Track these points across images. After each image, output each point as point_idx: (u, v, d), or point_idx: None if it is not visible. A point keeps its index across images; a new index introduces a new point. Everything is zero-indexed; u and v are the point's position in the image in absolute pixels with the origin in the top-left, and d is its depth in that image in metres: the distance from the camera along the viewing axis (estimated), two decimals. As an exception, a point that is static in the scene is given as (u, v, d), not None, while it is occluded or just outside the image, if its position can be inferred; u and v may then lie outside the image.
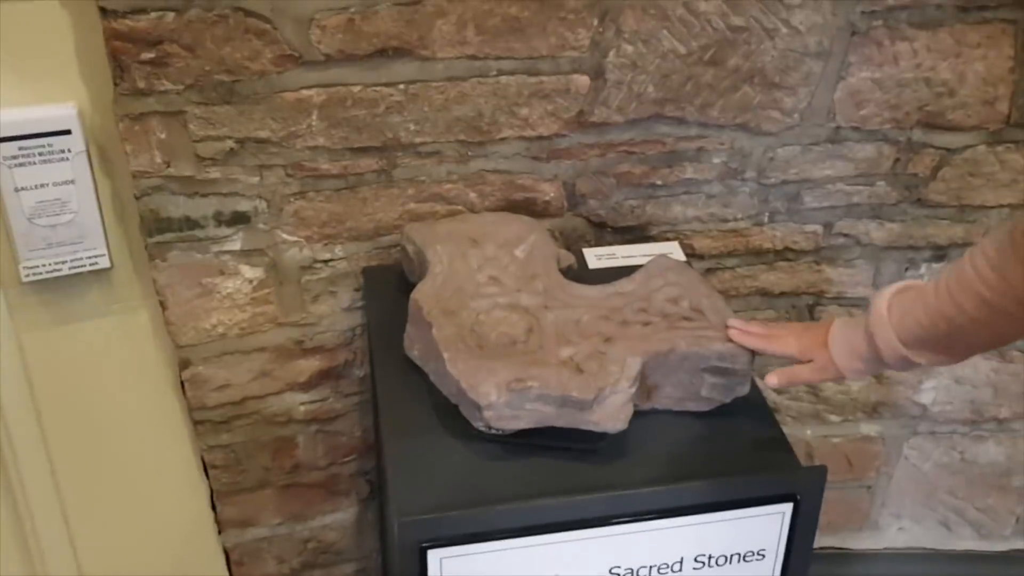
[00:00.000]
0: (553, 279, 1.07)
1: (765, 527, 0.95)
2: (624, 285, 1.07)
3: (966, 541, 1.64)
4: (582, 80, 1.15)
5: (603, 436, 0.96)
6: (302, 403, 1.30)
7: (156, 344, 1.22)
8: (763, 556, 0.97)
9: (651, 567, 0.95)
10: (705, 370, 1.00)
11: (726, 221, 1.31)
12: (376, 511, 1.43)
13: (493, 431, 0.96)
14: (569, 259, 1.14)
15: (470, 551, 0.89)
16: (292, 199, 1.14)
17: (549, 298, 1.04)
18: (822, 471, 0.96)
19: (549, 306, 1.03)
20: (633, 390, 0.96)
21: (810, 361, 0.97)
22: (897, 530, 1.65)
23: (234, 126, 1.07)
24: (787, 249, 1.34)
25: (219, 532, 1.38)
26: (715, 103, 1.20)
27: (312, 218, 1.16)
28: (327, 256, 1.19)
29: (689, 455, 0.98)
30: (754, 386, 1.04)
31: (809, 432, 1.52)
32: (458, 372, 0.94)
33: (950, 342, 0.86)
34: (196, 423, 1.27)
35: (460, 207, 1.21)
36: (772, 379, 0.99)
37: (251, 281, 1.18)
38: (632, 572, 0.94)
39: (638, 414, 0.98)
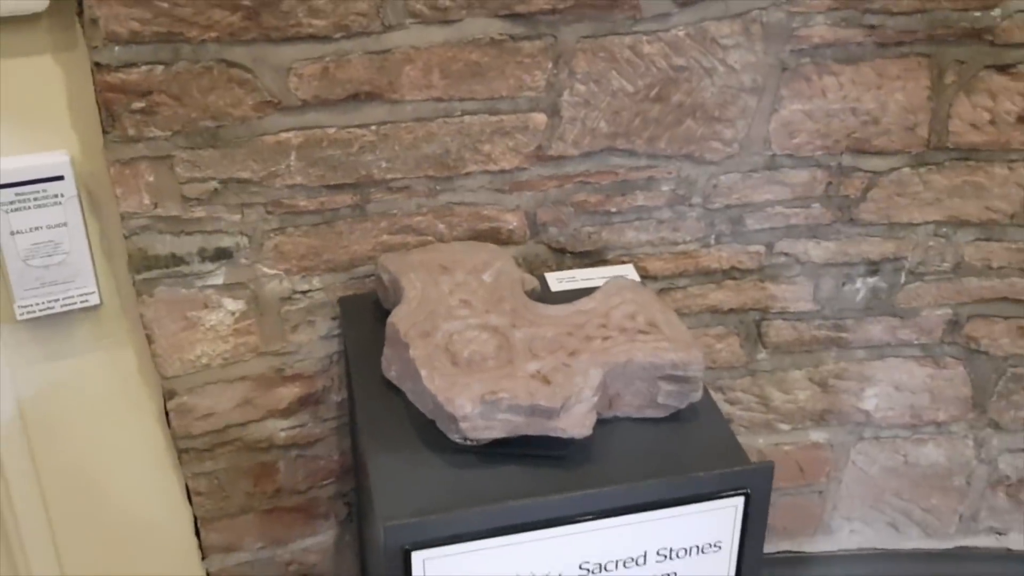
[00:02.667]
0: (519, 300, 1.16)
1: (720, 520, 1.04)
2: (585, 304, 1.16)
3: (913, 540, 1.74)
4: (539, 118, 1.25)
5: (570, 442, 1.04)
6: (282, 429, 1.36)
7: (142, 377, 1.29)
8: (719, 548, 1.06)
9: (617, 561, 1.03)
10: (661, 378, 1.09)
11: (676, 244, 1.41)
12: (354, 533, 1.50)
13: (469, 442, 1.03)
14: (533, 283, 1.23)
15: (451, 552, 0.97)
16: (272, 234, 1.22)
17: (516, 318, 1.12)
18: (769, 466, 1.05)
19: (517, 325, 1.11)
20: (596, 398, 1.05)
21: None
22: (849, 532, 1.75)
23: (218, 168, 1.15)
24: (733, 268, 1.45)
25: (203, 558, 1.43)
26: (662, 136, 1.30)
27: (291, 252, 1.24)
28: (305, 287, 1.27)
29: (649, 457, 1.07)
30: (706, 393, 1.13)
31: (761, 441, 1.62)
32: (435, 387, 1.02)
33: None
34: (181, 451, 1.33)
35: (430, 238, 1.29)
36: None
37: (233, 313, 1.25)
38: (600, 567, 1.02)
39: (601, 422, 1.07)
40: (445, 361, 1.06)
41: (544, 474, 1.03)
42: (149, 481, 1.36)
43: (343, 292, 1.29)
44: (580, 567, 1.02)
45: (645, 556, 1.03)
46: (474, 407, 1.00)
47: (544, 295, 1.25)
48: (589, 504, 1.00)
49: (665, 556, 1.04)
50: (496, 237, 1.32)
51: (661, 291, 1.44)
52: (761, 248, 1.44)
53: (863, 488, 1.70)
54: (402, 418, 1.09)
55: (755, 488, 1.04)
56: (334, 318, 1.30)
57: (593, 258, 1.38)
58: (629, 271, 1.34)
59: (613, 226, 1.37)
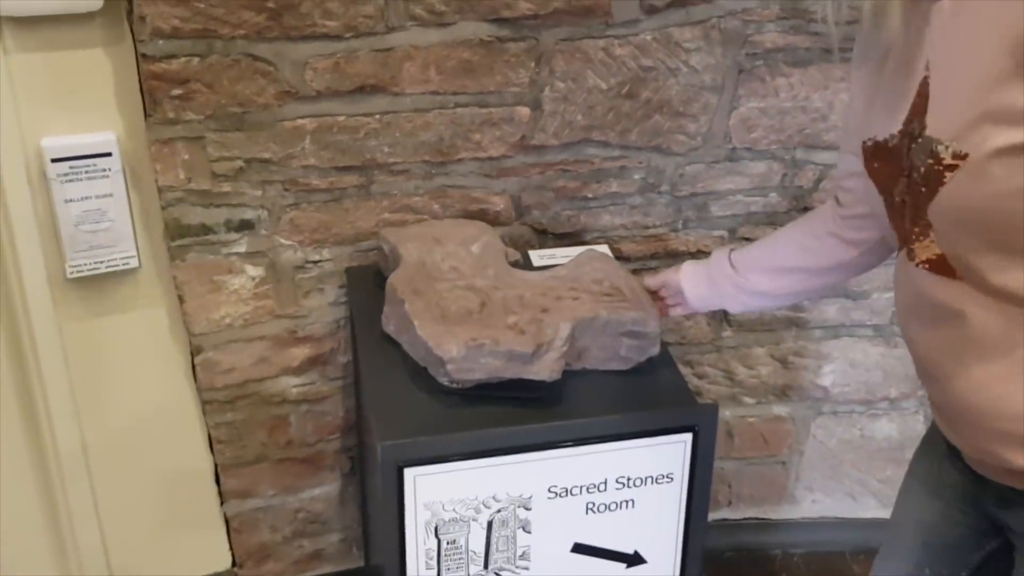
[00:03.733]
0: (502, 268, 1.33)
1: (672, 454, 1.20)
2: (559, 271, 1.33)
3: (871, 510, 1.89)
4: (523, 111, 1.42)
5: (543, 385, 1.21)
6: (294, 386, 1.53)
7: (173, 335, 1.46)
8: (671, 479, 1.22)
9: (581, 487, 1.19)
10: (622, 334, 1.26)
11: (647, 228, 1.58)
12: (357, 485, 1.66)
13: (455, 385, 1.20)
14: (515, 255, 1.41)
15: (438, 470, 1.13)
16: (288, 209, 1.40)
17: (498, 281, 1.30)
18: (714, 407, 1.22)
19: (498, 287, 1.28)
20: (565, 348, 1.21)
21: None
22: (811, 502, 1.90)
23: (243, 149, 1.33)
24: (700, 251, 1.61)
25: (222, 503, 1.59)
26: (633, 129, 1.48)
27: (304, 225, 1.41)
28: (316, 258, 1.44)
29: (611, 399, 1.24)
30: (664, 350, 1.30)
31: (728, 413, 1.78)
32: (426, 335, 1.19)
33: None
34: (205, 403, 1.50)
35: (426, 216, 1.47)
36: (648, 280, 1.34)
37: (254, 279, 1.43)
38: (567, 491, 1.19)
39: (570, 373, 1.24)
40: (435, 314, 1.23)
41: (520, 412, 1.20)
42: (177, 430, 1.53)
43: (349, 263, 1.46)
44: (549, 490, 1.18)
45: (606, 483, 1.20)
46: (459, 351, 1.17)
47: (525, 268, 1.42)
48: (557, 434, 1.16)
49: (623, 484, 1.21)
50: (485, 218, 1.49)
51: (634, 271, 1.61)
52: (724, 233, 1.60)
53: (823, 460, 1.85)
54: (399, 366, 1.26)
55: (703, 426, 1.20)
56: (341, 286, 1.47)
57: (572, 239, 1.55)
58: (605, 251, 1.51)
59: (590, 210, 1.54)
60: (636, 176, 1.52)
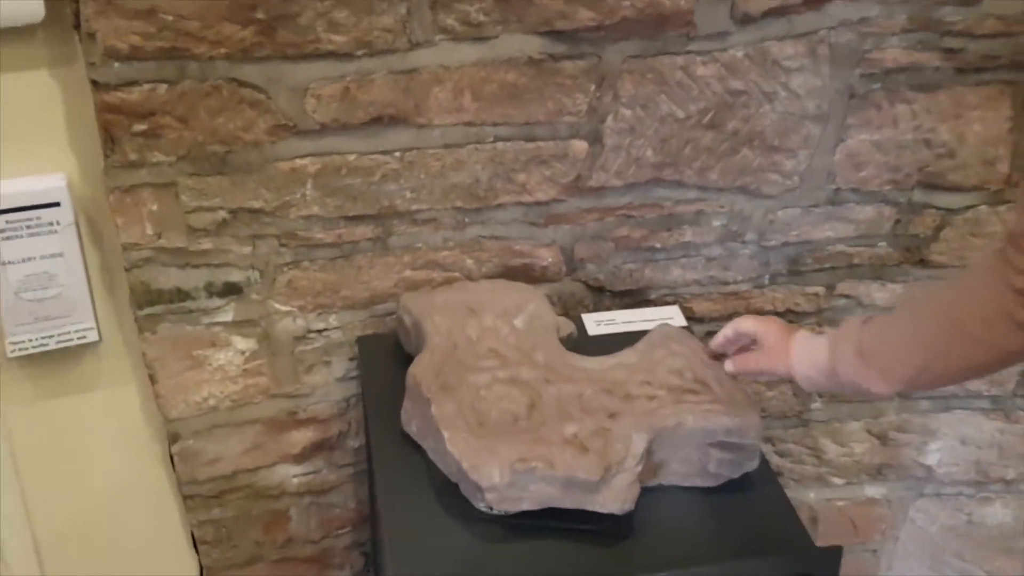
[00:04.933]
0: (553, 350, 1.05)
1: (777, 609, 0.92)
2: (626, 356, 1.04)
3: (975, 604, 1.61)
4: (580, 145, 1.14)
5: (609, 516, 0.92)
6: (295, 475, 1.26)
7: (145, 418, 1.19)
8: (776, 639, 0.94)
9: (661, 653, 0.91)
10: (713, 445, 0.97)
11: (726, 284, 1.29)
12: (371, 584, 1.39)
13: (495, 511, 0.92)
14: (568, 327, 1.12)
15: (472, 638, 0.86)
16: (285, 269, 1.12)
17: (550, 371, 1.01)
18: (837, 551, 0.93)
19: (550, 379, 1.00)
20: (639, 468, 0.93)
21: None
22: (905, 594, 1.61)
23: (227, 197, 1.05)
24: (788, 311, 1.32)
25: (209, 609, 1.33)
26: (714, 166, 1.19)
27: (306, 287, 1.14)
28: (321, 326, 1.17)
29: (698, 535, 0.95)
30: (763, 459, 1.01)
31: (812, 495, 1.49)
32: (459, 452, 0.91)
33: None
34: (186, 498, 1.23)
35: (457, 274, 1.18)
36: (728, 365, 1.00)
37: (243, 352, 1.15)
38: (641, 659, 0.91)
39: (644, 491, 0.95)
40: (470, 420, 0.95)
41: (579, 551, 0.92)
42: (152, 529, 1.26)
43: (362, 331, 1.19)
44: (617, 659, 0.90)
45: (691, 648, 0.92)
46: (502, 476, 0.89)
47: (581, 340, 1.14)
48: (629, 587, 0.88)
49: (714, 648, 0.92)
50: (529, 274, 1.21)
51: (708, 334, 1.32)
52: (820, 289, 1.31)
53: (921, 547, 1.56)
54: (422, 478, 0.98)
55: (820, 575, 0.92)
56: (352, 359, 1.20)
57: (634, 298, 1.27)
58: (674, 313, 1.23)
59: (657, 264, 1.25)
60: (716, 223, 1.23)
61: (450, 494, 0.95)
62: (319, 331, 1.17)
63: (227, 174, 1.04)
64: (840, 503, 1.51)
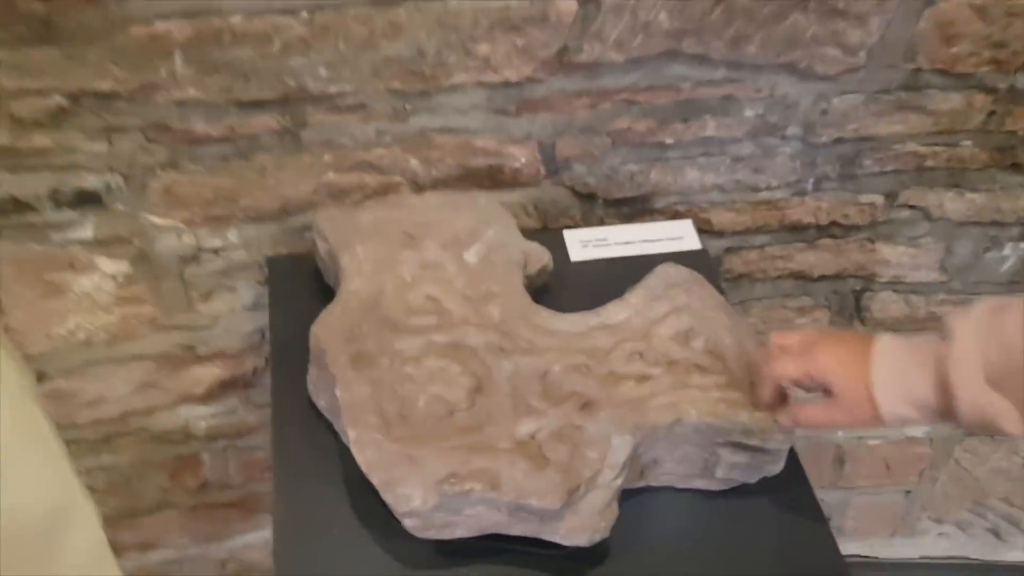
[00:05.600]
0: (515, 301, 0.77)
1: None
2: (613, 313, 0.76)
3: (1018, 552, 1.39)
4: (566, 5, 0.81)
5: (576, 540, 0.68)
6: (202, 417, 1.02)
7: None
8: None
9: None
10: (724, 444, 0.71)
11: (756, 190, 0.99)
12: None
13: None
14: (540, 258, 0.83)
15: None
16: (159, 172, 0.83)
17: (506, 335, 0.73)
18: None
19: (506, 348, 0.72)
20: (619, 482, 0.67)
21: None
22: (937, 536, 1.40)
23: (60, 75, 0.75)
24: (834, 224, 1.03)
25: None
26: (752, 36, 0.86)
27: (190, 196, 0.85)
28: (217, 244, 0.89)
29: (696, 555, 0.71)
30: (791, 454, 0.75)
31: (841, 434, 1.25)
32: (367, 462, 0.65)
33: None
34: (68, 442, 0.99)
35: (398, 178, 0.89)
36: (785, 419, 0.69)
37: (114, 277, 0.88)
38: None
39: (626, 494, 0.70)
40: (390, 411, 0.68)
41: (533, 583, 0.68)
42: (36, 476, 1.03)
43: (273, 251, 0.91)
44: None
45: None
46: (426, 500, 0.64)
47: (559, 272, 0.85)
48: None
49: None
50: (496, 178, 0.91)
51: (727, 250, 1.03)
52: (878, 198, 1.01)
53: (963, 490, 1.33)
54: (333, 472, 0.73)
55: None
56: (263, 282, 0.93)
57: (635, 207, 0.98)
58: (685, 229, 0.94)
59: (668, 164, 0.95)
60: (749, 112, 0.92)
61: (369, 493, 0.70)
62: (214, 250, 0.89)
63: (55, 44, 0.73)
64: (873, 443, 1.26)
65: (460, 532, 0.66)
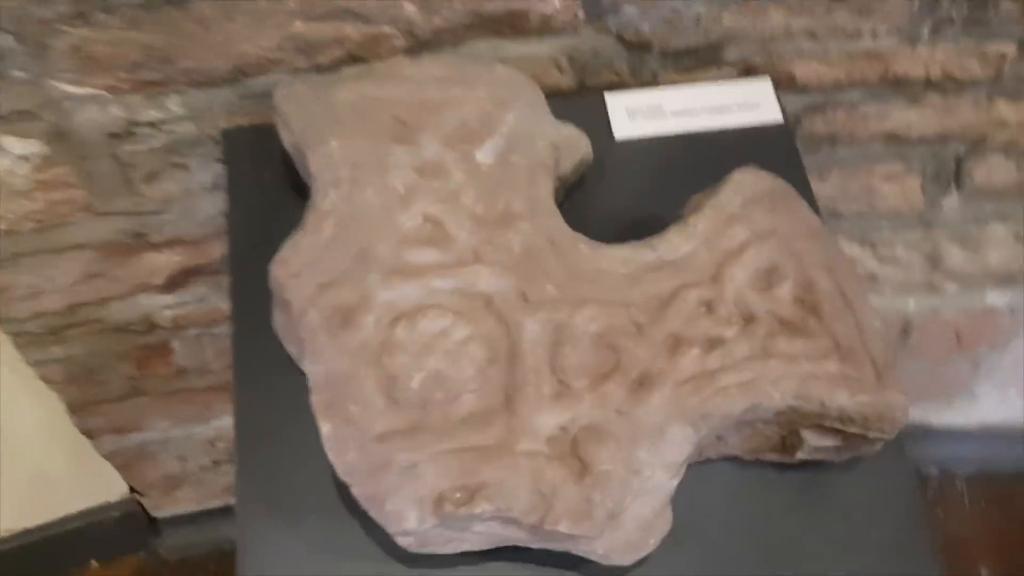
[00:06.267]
0: (543, 226, 0.58)
1: None
2: (674, 244, 0.57)
3: (1085, 420, 1.27)
4: None
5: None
6: (166, 307, 0.86)
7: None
8: None
9: None
10: (810, 427, 0.55)
11: (859, 37, 0.76)
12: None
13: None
14: (576, 150, 0.63)
15: None
16: (63, 28, 0.61)
17: (531, 279, 0.55)
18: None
19: (531, 299, 0.54)
20: (675, 483, 0.52)
21: None
22: (998, 402, 1.27)
23: None
24: (948, 79, 0.81)
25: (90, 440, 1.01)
26: None
27: (110, 57, 0.64)
28: (155, 115, 0.68)
29: (762, 545, 0.56)
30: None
31: (912, 304, 1.08)
32: (345, 467, 0.50)
33: None
34: (14, 336, 0.85)
35: (387, 29, 0.67)
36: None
37: (27, 159, 0.69)
38: None
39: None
40: (373, 396, 0.51)
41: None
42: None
43: (230, 121, 0.70)
44: None
45: None
46: (422, 520, 0.49)
47: (600, 158, 0.65)
48: None
49: None
50: (520, 26, 0.69)
51: (811, 108, 0.82)
52: (1010, 49, 0.78)
53: (1038, 359, 1.19)
54: (307, 433, 0.58)
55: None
56: (219, 159, 0.73)
57: (699, 60, 0.75)
58: (763, 91, 0.72)
59: (746, 3, 0.72)
60: (862, -63, 0.68)
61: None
62: (153, 124, 0.69)
63: None
64: (947, 314, 1.10)
65: (468, 547, 0.52)
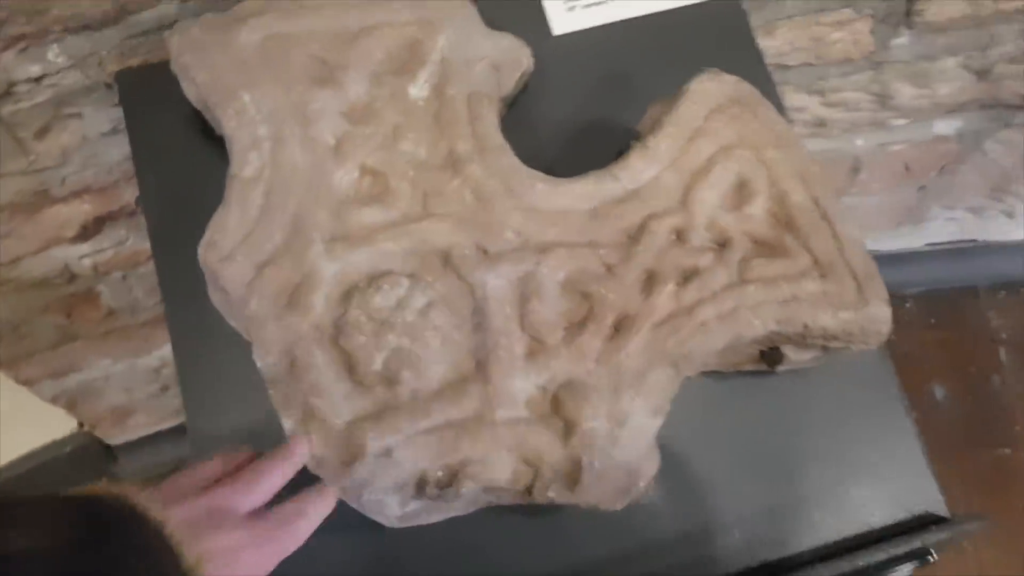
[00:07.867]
0: (493, 164, 0.52)
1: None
2: (636, 169, 0.52)
3: (1026, 229, 1.29)
4: None
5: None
6: (85, 256, 0.79)
7: None
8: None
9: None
10: (790, 344, 0.53)
11: None
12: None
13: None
14: (517, 64, 0.57)
15: None
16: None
17: (488, 228, 0.50)
18: (983, 521, 0.55)
19: (491, 251, 0.50)
20: (659, 422, 0.50)
21: None
22: (943, 222, 1.27)
23: None
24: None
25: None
26: None
27: (-34, 12, 0.55)
28: (34, 71, 0.60)
29: (744, 477, 0.56)
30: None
31: (860, 142, 1.06)
32: (317, 463, 0.47)
33: None
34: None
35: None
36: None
37: None
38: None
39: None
40: (334, 384, 0.48)
41: (534, 527, 0.53)
42: None
43: (121, 63, 0.62)
44: None
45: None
46: (404, 504, 0.47)
47: (539, 61, 0.59)
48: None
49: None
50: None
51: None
52: None
53: (983, 178, 1.18)
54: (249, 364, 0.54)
55: (939, 550, 0.56)
56: (115, 104, 0.65)
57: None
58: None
59: None
60: None
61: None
62: (33, 79, 0.60)
63: None
64: (896, 147, 1.08)
65: (454, 513, 0.50)
